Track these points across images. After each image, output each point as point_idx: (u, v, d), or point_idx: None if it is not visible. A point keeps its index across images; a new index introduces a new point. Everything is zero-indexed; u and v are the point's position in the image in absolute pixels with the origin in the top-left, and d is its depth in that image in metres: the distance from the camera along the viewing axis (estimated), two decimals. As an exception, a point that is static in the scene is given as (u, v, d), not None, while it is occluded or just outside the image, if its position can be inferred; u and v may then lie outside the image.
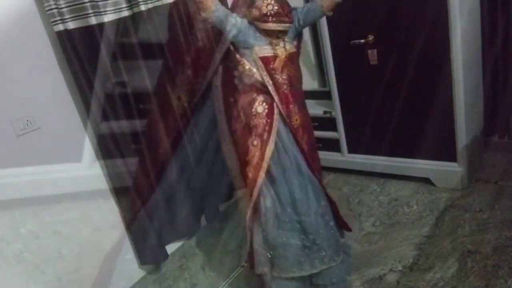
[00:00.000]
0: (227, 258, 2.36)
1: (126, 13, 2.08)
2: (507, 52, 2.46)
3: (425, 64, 2.26)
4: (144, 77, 2.19)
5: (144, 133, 2.22)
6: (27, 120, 1.84)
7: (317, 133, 2.87)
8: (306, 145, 1.84)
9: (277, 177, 1.77)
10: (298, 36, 1.86)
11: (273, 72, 1.75)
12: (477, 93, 2.51)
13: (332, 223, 1.84)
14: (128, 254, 2.32)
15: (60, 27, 1.86)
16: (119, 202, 2.22)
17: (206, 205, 2.61)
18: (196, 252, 2.51)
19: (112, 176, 2.16)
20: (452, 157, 2.40)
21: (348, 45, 2.47)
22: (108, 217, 2.21)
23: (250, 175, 1.79)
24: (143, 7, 2.09)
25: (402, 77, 2.37)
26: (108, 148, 2.10)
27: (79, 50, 1.92)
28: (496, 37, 2.46)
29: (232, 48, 1.81)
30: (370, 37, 2.38)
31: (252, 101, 1.79)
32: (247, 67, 1.77)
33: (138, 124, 2.19)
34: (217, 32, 1.90)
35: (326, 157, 2.93)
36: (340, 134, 2.82)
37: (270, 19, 1.69)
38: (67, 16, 1.86)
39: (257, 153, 1.78)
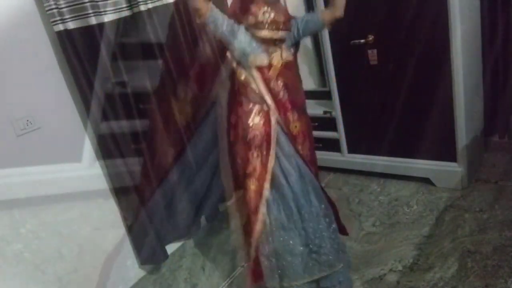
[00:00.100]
0: (227, 258, 2.36)
1: (126, 13, 2.08)
2: (507, 52, 2.46)
3: (425, 64, 2.26)
4: (144, 77, 2.19)
5: (145, 133, 2.22)
6: (27, 120, 1.84)
7: (317, 133, 2.88)
8: (308, 151, 1.85)
9: (280, 185, 1.77)
10: (296, 44, 1.86)
11: (268, 81, 1.74)
12: (477, 93, 2.51)
13: (334, 225, 1.84)
14: (128, 254, 2.32)
15: (60, 27, 1.86)
16: (119, 202, 2.22)
17: (206, 205, 2.60)
18: (196, 252, 2.51)
19: (112, 176, 2.16)
20: (452, 157, 2.40)
21: (348, 45, 2.47)
22: (108, 217, 2.21)
23: (253, 187, 1.78)
24: (143, 7, 2.09)
25: (402, 77, 2.37)
26: (108, 148, 2.10)
27: (79, 50, 1.92)
28: (496, 37, 2.46)
29: (229, 56, 1.81)
30: (370, 37, 2.38)
31: (249, 112, 1.78)
32: (242, 77, 1.77)
33: (138, 124, 2.19)
34: (223, 46, 1.88)
35: (326, 157, 2.94)
36: (340, 134, 2.82)
37: (265, 27, 1.68)
38: (67, 16, 1.86)
39: (258, 165, 1.77)
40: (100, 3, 1.96)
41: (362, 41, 2.41)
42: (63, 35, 1.88)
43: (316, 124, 2.89)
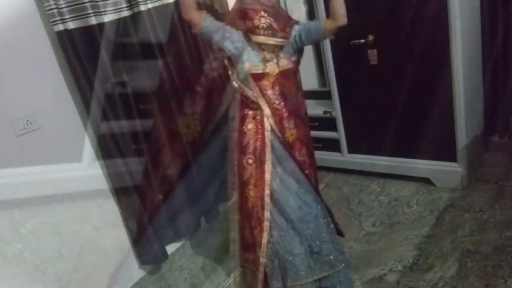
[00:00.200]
0: (227, 258, 2.36)
1: (126, 13, 2.08)
2: (507, 52, 2.46)
3: (425, 64, 2.26)
4: (144, 77, 2.19)
5: (145, 133, 2.22)
6: (27, 120, 1.84)
7: (317, 133, 2.89)
8: (306, 157, 1.85)
9: (278, 190, 1.79)
10: (299, 51, 1.83)
11: (264, 88, 1.74)
12: (477, 93, 2.51)
13: (332, 226, 1.86)
14: (128, 254, 2.32)
15: (60, 27, 1.86)
16: (119, 202, 2.22)
17: (205, 205, 2.60)
18: (196, 252, 2.51)
19: (112, 176, 2.16)
20: (452, 157, 2.40)
21: (348, 45, 2.47)
22: (108, 217, 2.21)
23: (252, 193, 1.79)
24: (143, 7, 2.09)
25: (402, 77, 2.37)
26: (108, 148, 2.10)
27: (79, 50, 1.92)
28: (496, 37, 2.46)
29: (226, 63, 1.82)
30: (370, 37, 2.38)
31: (243, 118, 1.80)
32: (236, 83, 1.78)
33: (138, 124, 2.18)
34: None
35: (326, 157, 2.94)
36: (340, 134, 2.82)
37: (262, 32, 1.66)
38: (67, 16, 1.86)
39: (254, 172, 1.78)
40: (100, 3, 1.96)
41: (362, 41, 2.41)
42: (63, 35, 1.88)
43: (316, 124, 2.90)
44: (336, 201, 2.63)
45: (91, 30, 1.95)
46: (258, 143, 1.78)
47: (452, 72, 2.18)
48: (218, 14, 2.03)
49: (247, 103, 1.78)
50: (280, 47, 1.73)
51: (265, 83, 1.74)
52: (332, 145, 2.90)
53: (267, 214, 1.79)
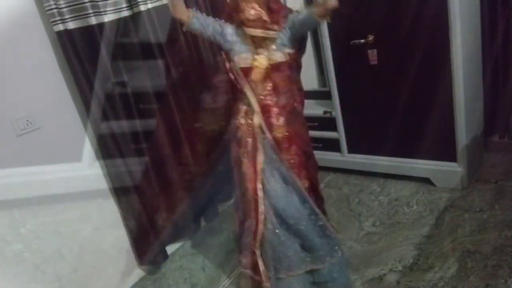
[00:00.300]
0: (227, 258, 2.36)
1: (126, 13, 2.08)
2: (507, 52, 2.46)
3: (425, 64, 2.26)
4: (144, 77, 2.19)
5: (145, 133, 2.22)
6: (27, 120, 1.84)
7: (317, 133, 2.89)
8: (297, 156, 1.79)
9: (268, 186, 1.79)
10: (297, 43, 1.74)
11: (253, 82, 1.71)
12: (477, 93, 2.51)
13: (321, 222, 1.84)
14: (128, 254, 2.32)
15: (60, 27, 1.87)
16: (119, 202, 2.22)
17: (205, 205, 2.61)
18: (196, 252, 2.51)
19: (112, 176, 2.16)
20: (452, 157, 2.40)
21: (348, 45, 2.47)
22: (108, 217, 2.21)
23: (248, 185, 1.81)
24: (143, 7, 2.10)
25: (402, 77, 2.37)
26: (108, 148, 2.10)
27: (79, 50, 1.92)
28: (496, 37, 2.46)
29: (224, 56, 1.80)
30: (370, 37, 2.38)
31: (238, 112, 1.80)
32: (233, 77, 1.77)
33: (138, 124, 2.19)
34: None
35: (326, 157, 2.94)
36: (340, 134, 2.82)
37: (251, 24, 1.64)
38: (67, 16, 1.86)
39: (249, 165, 1.80)
40: (100, 3, 1.96)
41: (362, 41, 2.41)
42: (63, 35, 1.88)
43: (316, 124, 2.90)
44: (336, 201, 2.63)
45: (91, 30, 1.96)
46: (250, 138, 1.78)
47: (452, 72, 2.18)
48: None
49: (241, 97, 1.78)
50: (272, 40, 1.68)
51: (255, 77, 1.70)
52: (332, 145, 2.90)
53: (261, 207, 1.79)
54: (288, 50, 1.72)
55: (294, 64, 1.79)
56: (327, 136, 2.90)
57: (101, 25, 1.98)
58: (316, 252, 1.83)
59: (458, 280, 1.81)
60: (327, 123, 2.86)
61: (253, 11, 1.61)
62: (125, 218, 2.25)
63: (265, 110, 1.74)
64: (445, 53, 2.16)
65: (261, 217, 1.80)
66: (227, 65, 1.78)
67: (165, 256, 2.40)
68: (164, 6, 2.19)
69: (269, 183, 1.78)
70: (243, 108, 1.78)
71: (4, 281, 1.80)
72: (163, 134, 2.30)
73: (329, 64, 2.65)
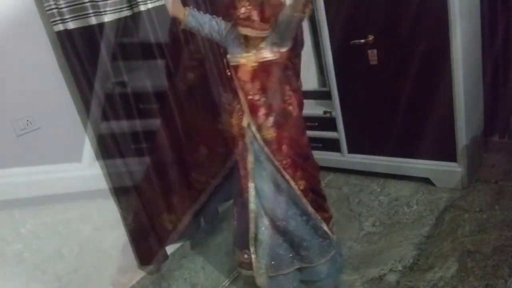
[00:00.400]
0: (227, 258, 2.36)
1: (126, 13, 2.08)
2: (507, 52, 2.46)
3: (425, 64, 2.26)
4: (144, 77, 2.19)
5: (145, 133, 2.22)
6: (27, 120, 1.84)
7: (317, 133, 2.89)
8: (289, 158, 1.75)
9: (259, 185, 1.80)
10: (292, 42, 1.67)
11: (242, 81, 1.69)
12: (477, 93, 2.51)
13: (312, 222, 1.84)
14: (128, 254, 2.32)
15: (60, 27, 1.86)
16: (119, 202, 2.22)
17: (205, 205, 2.60)
18: (196, 252, 2.51)
19: (112, 176, 2.16)
20: (452, 157, 2.39)
21: (348, 45, 2.47)
22: (108, 217, 2.21)
23: (241, 185, 1.83)
24: (143, 7, 2.09)
25: (402, 77, 2.37)
26: (108, 148, 2.10)
27: (79, 50, 1.92)
28: (496, 37, 2.46)
29: (222, 52, 1.81)
30: (370, 37, 2.38)
31: (231, 111, 1.80)
32: (229, 74, 1.77)
33: (138, 124, 2.19)
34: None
35: (326, 157, 2.94)
36: (340, 134, 2.82)
37: (241, 22, 1.61)
38: (67, 16, 1.86)
39: (241, 164, 1.81)
40: (100, 3, 1.96)
41: (362, 41, 2.41)
42: (63, 35, 1.88)
43: (316, 124, 2.90)
44: (336, 201, 2.63)
45: (91, 30, 1.95)
46: (241, 138, 1.79)
47: (452, 72, 2.18)
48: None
49: (235, 95, 1.77)
50: (263, 39, 1.63)
51: (243, 75, 1.68)
52: (332, 145, 2.90)
53: (251, 206, 1.81)
54: (280, 49, 1.66)
55: (288, 64, 1.72)
56: (327, 136, 2.90)
57: (101, 25, 1.98)
58: (306, 252, 1.83)
59: (458, 280, 1.81)
60: (327, 123, 2.86)
61: (243, 9, 1.58)
62: (125, 218, 2.25)
63: (253, 110, 1.71)
64: (445, 53, 2.16)
65: (252, 216, 1.82)
66: (225, 62, 1.78)
67: (165, 256, 2.40)
68: (164, 6, 2.18)
69: (258, 183, 1.79)
70: (237, 107, 1.77)
71: (4, 281, 1.80)
72: (164, 134, 2.30)
73: (329, 64, 2.65)
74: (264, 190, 1.79)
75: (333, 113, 2.80)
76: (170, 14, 1.76)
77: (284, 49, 1.66)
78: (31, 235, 1.89)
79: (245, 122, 1.75)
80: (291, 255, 1.86)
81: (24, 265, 1.87)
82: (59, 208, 1.99)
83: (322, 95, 2.97)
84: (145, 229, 2.27)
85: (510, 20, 2.40)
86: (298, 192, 1.79)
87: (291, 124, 1.75)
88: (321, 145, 2.93)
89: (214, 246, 2.52)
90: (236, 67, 1.70)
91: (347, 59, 2.57)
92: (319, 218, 1.85)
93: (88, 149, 2.11)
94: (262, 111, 1.70)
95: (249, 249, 1.87)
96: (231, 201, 2.34)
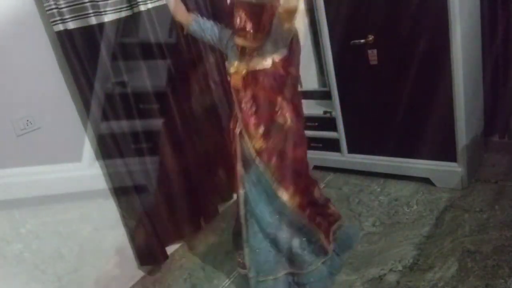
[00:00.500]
0: (227, 258, 2.36)
1: (126, 13, 2.08)
2: (507, 52, 2.46)
3: (425, 64, 2.26)
4: (144, 77, 2.19)
5: (145, 133, 2.22)
6: (27, 120, 1.84)
7: (317, 133, 2.89)
8: (279, 171, 1.71)
9: (248, 193, 1.80)
10: (289, 52, 1.62)
11: (236, 89, 1.69)
12: (477, 93, 2.51)
13: (306, 236, 1.83)
14: (128, 254, 2.32)
15: (60, 27, 1.87)
16: (119, 202, 2.22)
17: (205, 205, 2.61)
18: (196, 252, 2.51)
19: (112, 176, 2.16)
20: (452, 157, 2.39)
21: (348, 45, 2.47)
22: (108, 217, 2.21)
23: (236, 190, 1.86)
24: (143, 7, 2.10)
25: (402, 77, 2.37)
26: (108, 148, 2.10)
27: (79, 50, 1.92)
28: (496, 37, 2.45)
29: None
30: (370, 37, 2.38)
31: (231, 117, 1.83)
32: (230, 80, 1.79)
33: (138, 124, 2.19)
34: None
35: (326, 157, 2.94)
36: (340, 134, 2.82)
37: (237, 32, 1.60)
38: (67, 16, 1.86)
39: (236, 169, 1.83)
40: (100, 3, 1.96)
41: (362, 41, 2.41)
42: (63, 35, 1.88)
43: (316, 124, 2.90)
44: (336, 201, 2.62)
45: (91, 30, 1.96)
46: (234, 143, 1.80)
47: (452, 72, 2.18)
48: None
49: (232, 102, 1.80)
50: (256, 48, 1.61)
51: (236, 83, 1.67)
52: (332, 145, 2.90)
53: (241, 212, 1.82)
54: (273, 58, 1.61)
55: (281, 73, 1.63)
56: (327, 136, 2.90)
57: (101, 25, 1.98)
58: (296, 258, 1.83)
59: (458, 280, 1.81)
60: (327, 123, 2.86)
61: (239, 19, 1.56)
62: (125, 218, 2.25)
63: (245, 118, 1.70)
64: (445, 53, 2.16)
65: (242, 221, 1.84)
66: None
67: (165, 256, 2.40)
68: (164, 6, 2.18)
69: (248, 190, 1.80)
70: (234, 113, 1.79)
71: (4, 281, 1.80)
72: (165, 134, 2.30)
73: (329, 64, 2.65)
74: (253, 199, 1.79)
75: (333, 113, 2.80)
76: (174, 19, 1.81)
77: (277, 58, 1.61)
78: (31, 235, 1.89)
79: (237, 130, 1.76)
80: (282, 259, 1.85)
81: (24, 265, 1.87)
82: (59, 208, 1.99)
83: (322, 95, 2.97)
84: (145, 229, 2.27)
85: (510, 20, 2.40)
86: (291, 207, 1.75)
87: (281, 136, 1.70)
88: (321, 145, 2.93)
89: (214, 246, 2.52)
90: (231, 75, 1.70)
91: (347, 59, 2.57)
92: (316, 231, 1.83)
93: (88, 149, 2.11)
94: (252, 120, 1.68)
95: (243, 251, 1.89)
96: (231, 201, 2.35)
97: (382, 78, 2.45)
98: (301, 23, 1.83)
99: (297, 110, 1.72)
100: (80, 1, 1.89)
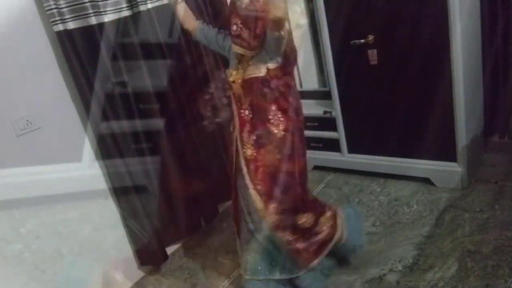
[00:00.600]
0: (227, 258, 2.36)
1: (126, 13, 2.08)
2: (507, 52, 2.46)
3: (425, 64, 2.26)
4: (144, 77, 2.19)
5: (145, 133, 2.22)
6: (27, 120, 1.84)
7: (317, 133, 2.89)
8: (263, 183, 1.68)
9: (240, 197, 1.81)
10: (284, 60, 1.59)
11: (235, 95, 1.69)
12: (477, 93, 2.51)
13: (284, 254, 1.82)
14: (128, 254, 2.32)
15: (60, 27, 1.86)
16: (119, 202, 2.22)
17: (205, 205, 2.61)
18: (196, 252, 2.51)
19: (112, 176, 2.16)
20: (452, 157, 2.39)
21: (348, 45, 2.47)
22: (108, 217, 2.21)
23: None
24: (143, 7, 2.10)
25: (402, 77, 2.37)
26: (108, 148, 2.10)
27: (79, 50, 1.92)
28: (496, 37, 2.46)
29: None
30: (370, 37, 2.38)
31: (232, 120, 1.84)
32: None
33: (138, 124, 2.19)
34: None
35: (326, 157, 2.94)
36: (340, 134, 2.82)
37: (233, 39, 1.59)
38: (67, 16, 1.86)
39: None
40: (100, 3, 1.96)
41: (362, 41, 2.41)
42: (63, 35, 1.88)
43: (316, 124, 2.90)
44: (336, 201, 2.63)
45: (91, 30, 1.96)
46: (232, 147, 1.82)
47: (452, 72, 2.18)
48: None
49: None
50: (253, 55, 1.60)
51: (235, 90, 1.68)
52: (332, 145, 2.90)
53: (232, 214, 1.86)
54: (267, 66, 1.59)
55: (276, 82, 1.60)
56: (327, 136, 2.90)
57: (101, 25, 1.98)
58: (285, 262, 1.83)
59: (458, 280, 1.81)
60: (327, 123, 2.86)
61: (235, 26, 1.55)
62: (125, 218, 2.25)
63: (241, 125, 1.71)
64: (445, 53, 2.16)
65: (238, 223, 1.86)
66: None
67: (165, 256, 2.40)
68: (164, 6, 2.19)
69: (241, 195, 1.80)
70: (234, 116, 1.80)
71: (4, 281, 1.80)
72: (165, 134, 2.30)
73: (329, 64, 2.65)
74: (244, 204, 1.80)
75: (333, 113, 2.80)
76: (182, 26, 1.86)
77: (272, 66, 1.59)
78: (31, 235, 1.89)
79: (235, 134, 1.77)
80: (273, 264, 1.83)
81: (24, 265, 1.87)
82: (59, 208, 1.99)
83: (322, 95, 2.97)
84: (145, 229, 2.27)
85: (510, 20, 2.40)
86: (269, 225, 1.72)
87: (272, 147, 1.65)
88: (321, 145, 2.94)
89: (214, 246, 2.52)
90: (230, 83, 1.71)
91: (347, 59, 2.57)
92: (292, 254, 1.78)
93: (88, 149, 2.10)
94: (247, 127, 1.68)
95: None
96: (231, 201, 2.34)
97: (382, 78, 2.45)
98: (298, 35, 1.81)
99: (293, 120, 1.67)
100: (80, 1, 1.89)
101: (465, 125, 2.26)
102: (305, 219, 1.78)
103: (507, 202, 2.22)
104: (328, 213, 1.88)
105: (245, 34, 1.54)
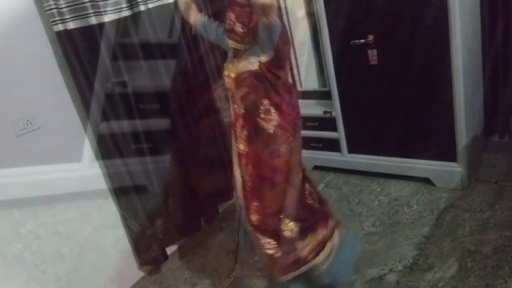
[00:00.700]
0: (227, 258, 2.36)
1: (126, 13, 2.08)
2: (507, 52, 2.46)
3: (425, 64, 2.26)
4: (144, 77, 2.19)
5: (145, 133, 2.22)
6: (27, 120, 1.84)
7: (317, 133, 2.89)
8: (251, 180, 1.65)
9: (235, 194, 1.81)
10: (276, 53, 1.54)
11: (231, 90, 1.68)
12: (477, 93, 2.51)
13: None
14: (128, 254, 2.32)
15: (60, 27, 1.87)
16: (119, 202, 2.22)
17: (205, 205, 2.61)
18: (196, 252, 2.51)
19: (112, 176, 2.16)
20: (452, 157, 2.39)
21: (348, 45, 2.47)
22: (108, 217, 2.21)
23: None
24: (143, 7, 2.10)
25: (402, 77, 2.37)
26: (108, 148, 2.10)
27: (79, 50, 1.92)
28: (496, 37, 2.46)
29: None
30: (370, 37, 2.38)
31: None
32: None
33: (138, 124, 2.19)
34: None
35: (326, 157, 2.94)
36: (340, 134, 2.82)
37: (227, 33, 1.59)
38: (67, 16, 1.86)
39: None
40: (100, 3, 1.96)
41: (362, 41, 2.41)
42: (63, 35, 1.88)
43: (316, 124, 2.90)
44: (336, 201, 2.63)
45: (91, 30, 1.96)
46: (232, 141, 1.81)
47: (452, 72, 2.18)
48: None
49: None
50: (245, 49, 1.58)
51: (229, 84, 1.67)
52: (332, 145, 2.90)
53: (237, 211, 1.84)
54: (259, 59, 1.55)
55: (268, 75, 1.56)
56: (327, 136, 2.90)
57: (101, 25, 1.98)
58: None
59: (458, 280, 1.81)
60: (327, 123, 2.86)
61: (228, 20, 1.55)
62: (125, 218, 2.25)
63: (235, 119, 1.70)
64: (445, 53, 2.16)
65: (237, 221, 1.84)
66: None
67: (165, 256, 2.40)
68: (164, 6, 2.19)
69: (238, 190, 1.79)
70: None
71: (4, 281, 1.80)
72: (165, 133, 2.30)
73: (329, 64, 2.65)
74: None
75: (333, 113, 2.80)
76: (185, 20, 1.84)
77: (264, 59, 1.55)
78: (31, 235, 1.89)
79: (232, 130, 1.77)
80: (255, 259, 1.81)
81: (24, 265, 1.87)
82: (59, 208, 1.99)
83: (322, 95, 2.97)
84: (145, 229, 2.27)
85: (510, 20, 2.40)
86: (249, 226, 1.68)
87: (262, 142, 1.62)
88: (321, 145, 2.94)
89: (214, 246, 2.52)
90: (224, 77, 1.70)
91: (347, 59, 2.57)
92: (267, 257, 1.70)
93: (88, 149, 2.11)
94: (240, 122, 1.66)
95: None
96: (231, 201, 2.35)
97: (382, 78, 2.45)
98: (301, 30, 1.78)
99: (286, 118, 1.62)
100: (80, 1, 1.89)
101: (465, 125, 2.26)
102: (288, 229, 1.66)
103: (507, 202, 2.22)
104: (324, 232, 1.77)
105: (238, 27, 1.53)
